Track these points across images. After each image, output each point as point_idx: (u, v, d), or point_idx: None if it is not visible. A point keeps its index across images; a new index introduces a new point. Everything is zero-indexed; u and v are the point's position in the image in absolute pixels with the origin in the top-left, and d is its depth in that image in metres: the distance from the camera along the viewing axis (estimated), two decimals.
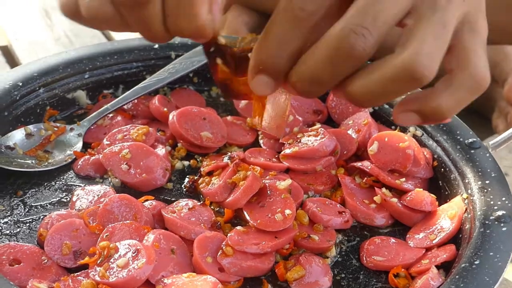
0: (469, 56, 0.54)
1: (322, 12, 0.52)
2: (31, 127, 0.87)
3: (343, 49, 0.51)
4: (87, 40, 1.37)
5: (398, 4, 0.52)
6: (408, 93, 0.55)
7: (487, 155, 0.82)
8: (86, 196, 0.78)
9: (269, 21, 0.54)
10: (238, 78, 0.63)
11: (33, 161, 0.84)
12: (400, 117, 0.56)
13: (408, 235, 0.78)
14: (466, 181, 0.80)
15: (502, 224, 0.72)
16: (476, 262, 0.67)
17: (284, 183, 0.79)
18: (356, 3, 0.52)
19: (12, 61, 1.32)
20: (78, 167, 0.84)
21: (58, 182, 0.82)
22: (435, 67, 0.52)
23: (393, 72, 0.51)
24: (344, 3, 0.53)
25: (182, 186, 0.83)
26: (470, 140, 0.84)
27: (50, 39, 1.39)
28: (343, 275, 0.74)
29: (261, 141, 0.90)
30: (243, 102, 0.94)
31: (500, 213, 0.73)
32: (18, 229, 0.75)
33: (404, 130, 0.90)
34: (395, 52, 0.52)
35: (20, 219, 0.76)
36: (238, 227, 0.74)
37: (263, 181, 0.79)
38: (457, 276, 0.66)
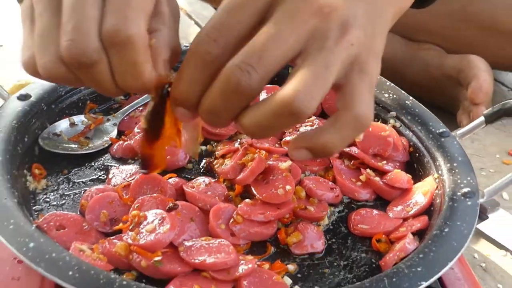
0: (354, 97, 0.50)
1: (227, 54, 0.50)
2: (74, 118, 0.86)
3: (231, 84, 0.48)
4: None
5: (287, 45, 0.49)
6: (294, 129, 0.50)
7: (455, 142, 0.82)
8: (120, 174, 0.78)
9: (182, 62, 0.52)
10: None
11: (76, 145, 0.83)
12: (293, 153, 0.53)
13: (388, 208, 0.78)
14: (437, 163, 0.79)
15: (467, 199, 0.72)
16: (446, 230, 0.67)
17: (285, 164, 0.79)
18: (249, 43, 0.49)
19: None
20: (114, 150, 0.84)
21: (96, 163, 0.82)
22: (313, 104, 0.48)
23: (275, 107, 0.48)
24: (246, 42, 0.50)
25: (200, 166, 0.83)
26: (441, 130, 0.84)
27: None
28: (334, 240, 0.74)
29: None
30: None
31: (465, 190, 0.73)
32: (64, 201, 0.75)
33: (385, 122, 0.89)
34: (279, 89, 0.49)
35: (65, 193, 0.76)
36: (247, 200, 0.74)
37: (268, 162, 0.79)
38: (429, 242, 0.66)
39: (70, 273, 0.56)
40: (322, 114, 0.95)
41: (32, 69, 0.55)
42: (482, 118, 0.83)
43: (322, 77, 0.49)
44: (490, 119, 0.82)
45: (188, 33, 1.49)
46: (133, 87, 0.54)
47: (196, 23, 1.54)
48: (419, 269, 0.61)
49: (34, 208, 0.73)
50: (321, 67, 0.49)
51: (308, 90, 0.48)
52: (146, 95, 0.90)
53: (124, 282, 0.56)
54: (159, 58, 0.54)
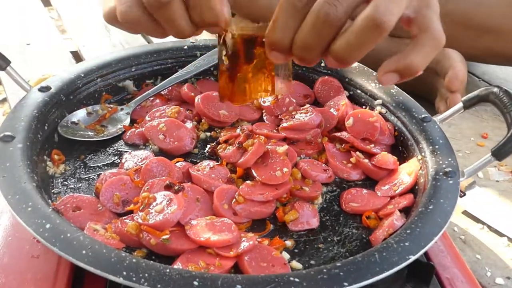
0: (428, 22, 0.53)
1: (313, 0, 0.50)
2: (91, 108, 0.82)
3: (320, 17, 0.49)
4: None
5: None
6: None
7: (436, 127, 0.77)
8: (132, 159, 0.74)
9: (275, 11, 0.52)
10: (244, 66, 0.60)
11: (92, 133, 0.79)
12: (383, 78, 0.53)
13: (376, 187, 0.75)
14: (420, 146, 0.75)
15: (449, 178, 0.67)
16: (430, 207, 0.63)
17: (282, 148, 0.75)
18: None
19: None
20: (127, 137, 0.79)
21: (111, 148, 0.78)
22: (392, 18, 0.49)
23: (361, 24, 0.49)
24: None
25: (205, 151, 0.79)
26: (423, 115, 0.79)
27: (108, 46, 1.34)
28: (327, 217, 0.70)
29: (264, 117, 0.86)
30: None
31: (447, 169, 0.69)
32: (80, 184, 0.70)
33: (372, 109, 0.85)
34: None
35: (82, 177, 0.72)
36: (248, 181, 0.71)
37: (266, 147, 0.75)
38: (415, 218, 0.62)
39: (84, 252, 0.52)
40: (315, 102, 0.91)
41: (112, 17, 0.58)
42: (460, 104, 0.79)
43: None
44: (468, 104, 0.78)
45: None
46: (207, 19, 0.55)
47: None
48: (407, 243, 0.57)
49: (53, 191, 0.69)
50: None
51: (386, 5, 0.48)
52: (155, 87, 0.87)
53: (134, 260, 0.52)
54: None
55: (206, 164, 0.73)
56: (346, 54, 0.51)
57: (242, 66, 0.60)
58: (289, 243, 0.64)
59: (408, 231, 0.59)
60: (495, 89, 0.74)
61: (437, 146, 0.73)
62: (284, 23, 0.52)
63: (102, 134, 0.79)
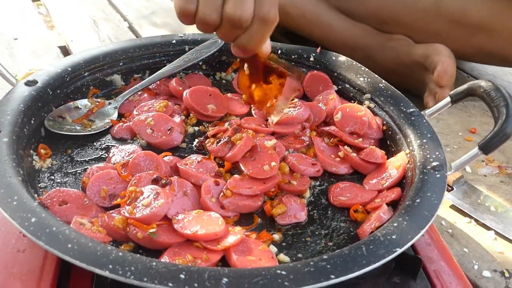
0: (260, 4, 0.62)
1: None
2: (78, 102, 0.82)
3: None
4: None
5: None
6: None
7: (424, 121, 0.78)
8: (119, 153, 0.73)
9: None
10: (258, 81, 0.73)
11: (80, 127, 0.78)
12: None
13: (364, 181, 0.75)
14: (408, 140, 0.75)
15: (436, 172, 0.68)
16: (417, 201, 0.63)
17: (271, 142, 0.75)
18: None
19: None
20: (114, 131, 0.79)
21: (98, 143, 0.77)
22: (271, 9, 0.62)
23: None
24: None
25: (193, 145, 0.78)
26: (411, 109, 0.80)
27: (96, 41, 1.34)
28: (315, 211, 0.70)
29: (253, 112, 0.86)
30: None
31: (435, 163, 0.69)
32: (67, 178, 0.70)
33: (360, 103, 0.85)
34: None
35: (69, 171, 0.71)
36: (236, 175, 0.71)
37: (255, 141, 0.75)
38: (402, 211, 0.62)
39: (69, 245, 0.51)
40: (304, 97, 0.91)
41: (186, 15, 0.64)
42: (448, 99, 0.79)
43: None
44: (456, 99, 0.78)
45: (185, 27, 1.44)
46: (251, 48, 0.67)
47: None
48: (393, 236, 0.57)
49: (39, 185, 0.68)
50: None
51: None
52: (143, 81, 0.87)
53: (120, 253, 0.51)
54: None
55: (194, 158, 0.72)
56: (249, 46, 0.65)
57: (257, 80, 0.73)
58: (276, 236, 0.64)
59: (395, 224, 0.59)
60: (483, 83, 0.74)
61: (424, 140, 0.73)
62: None
63: (90, 129, 0.78)
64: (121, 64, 0.89)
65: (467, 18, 1.14)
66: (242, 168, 0.71)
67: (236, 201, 0.67)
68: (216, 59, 0.95)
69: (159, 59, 0.92)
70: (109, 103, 0.83)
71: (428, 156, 0.70)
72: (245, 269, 0.52)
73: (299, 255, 0.62)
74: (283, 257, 0.61)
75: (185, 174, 0.69)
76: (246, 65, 0.73)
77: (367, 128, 0.79)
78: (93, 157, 0.74)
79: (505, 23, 1.12)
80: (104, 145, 0.77)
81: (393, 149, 0.79)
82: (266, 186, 0.69)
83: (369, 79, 0.86)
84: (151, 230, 0.59)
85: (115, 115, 0.82)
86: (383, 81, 0.86)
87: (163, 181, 0.64)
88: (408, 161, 0.73)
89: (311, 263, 0.53)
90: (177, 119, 0.80)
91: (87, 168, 0.70)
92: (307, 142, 0.80)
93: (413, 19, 1.17)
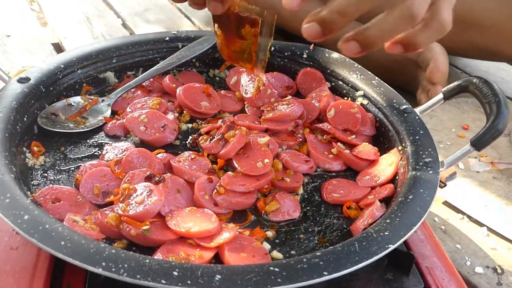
0: (439, 9, 0.61)
1: None
2: (71, 99, 0.81)
3: None
4: None
5: None
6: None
7: (417, 117, 0.78)
8: (112, 150, 0.73)
9: None
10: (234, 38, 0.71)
11: (73, 124, 0.78)
12: (390, 46, 0.62)
13: (357, 178, 0.75)
14: (401, 137, 0.75)
15: (429, 169, 0.68)
16: (410, 197, 0.63)
17: (264, 139, 0.75)
18: None
19: None
20: (107, 128, 0.79)
21: (91, 140, 0.77)
22: (422, 12, 0.59)
23: (399, 13, 0.58)
24: None
25: (186, 142, 0.78)
26: (404, 106, 0.80)
27: (90, 38, 1.33)
28: (308, 208, 0.70)
29: (246, 109, 0.86)
30: (233, 80, 0.90)
31: (427, 160, 0.69)
32: (60, 176, 0.70)
33: (354, 100, 0.85)
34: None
35: (62, 168, 0.71)
36: (229, 172, 0.70)
37: (248, 138, 0.75)
38: (395, 208, 0.62)
39: (63, 243, 0.51)
40: (297, 94, 0.91)
41: None
42: (441, 95, 0.79)
43: None
44: (448, 95, 0.78)
45: (179, 24, 1.44)
46: None
47: (186, 16, 1.49)
48: (386, 233, 0.57)
49: (32, 183, 0.68)
50: None
51: (419, 3, 0.58)
52: (136, 78, 0.87)
53: (113, 251, 0.51)
54: None
55: (188, 155, 0.72)
56: (377, 39, 0.59)
57: (232, 37, 0.71)
58: (270, 233, 0.64)
59: (388, 221, 0.59)
60: (475, 80, 0.74)
61: (417, 137, 0.73)
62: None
63: (83, 126, 0.78)
64: (114, 61, 0.89)
65: (456, 14, 1.15)
66: (236, 165, 0.71)
67: (229, 198, 0.67)
68: (209, 56, 0.95)
69: (152, 56, 0.92)
70: (102, 100, 0.83)
71: (421, 152, 0.71)
72: (238, 266, 0.52)
73: (292, 252, 0.62)
74: (276, 254, 0.61)
75: (178, 171, 0.69)
76: (217, 25, 0.72)
77: (360, 125, 0.79)
78: (86, 154, 0.74)
79: (494, 19, 1.12)
80: (97, 143, 0.76)
81: (386, 146, 0.79)
82: (259, 183, 0.69)
83: (362, 76, 0.87)
84: (145, 227, 0.59)
85: (108, 112, 0.81)
86: (376, 78, 0.86)
87: (157, 178, 0.64)
88: (401, 158, 0.73)
89: (304, 260, 0.53)
90: (171, 116, 0.80)
91: (80, 165, 0.69)
92: (300, 139, 0.80)
93: None
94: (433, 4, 0.61)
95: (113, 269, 0.49)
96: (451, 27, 0.63)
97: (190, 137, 0.78)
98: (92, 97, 0.83)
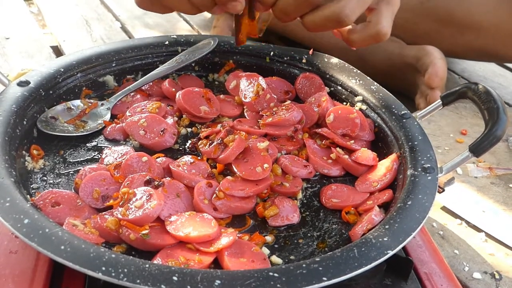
0: (381, 17, 0.67)
1: None
2: (71, 103, 0.81)
3: None
4: None
5: None
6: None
7: (415, 123, 0.78)
8: (112, 154, 0.73)
9: None
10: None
11: (72, 128, 0.78)
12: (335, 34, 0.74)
13: (356, 183, 0.75)
14: (400, 142, 0.76)
15: (427, 174, 0.68)
16: (409, 203, 0.63)
17: (263, 144, 0.75)
18: None
19: None
20: (107, 132, 0.79)
21: (91, 144, 0.77)
22: (353, 18, 0.65)
23: (328, 14, 0.65)
24: None
25: (186, 146, 0.78)
26: (402, 112, 0.80)
27: (89, 41, 1.33)
28: (307, 213, 0.70)
29: (246, 114, 0.86)
30: (232, 84, 0.90)
31: (426, 165, 0.69)
32: (59, 179, 0.70)
33: (352, 105, 0.86)
34: (333, 2, 0.66)
35: (61, 172, 0.71)
36: (228, 177, 0.71)
37: (247, 143, 0.75)
38: (394, 213, 0.62)
39: (62, 247, 0.51)
40: (297, 98, 0.91)
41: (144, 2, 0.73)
42: (439, 101, 0.79)
43: (362, 2, 0.66)
44: (447, 101, 0.79)
45: (177, 28, 1.45)
46: None
47: (185, 20, 1.49)
48: (385, 239, 0.58)
49: (31, 186, 0.68)
50: None
51: (351, 7, 0.64)
52: (136, 82, 0.87)
53: (113, 255, 0.51)
54: None
55: (187, 159, 0.72)
56: (311, 27, 0.69)
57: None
58: (269, 238, 0.64)
59: (386, 227, 0.60)
60: (473, 86, 0.75)
61: (416, 142, 0.74)
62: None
63: (82, 129, 0.78)
64: (114, 65, 0.89)
65: (454, 17, 1.16)
66: (235, 169, 0.71)
67: (228, 203, 0.67)
68: (208, 61, 0.95)
69: (151, 60, 0.92)
70: (102, 104, 0.83)
71: (420, 158, 0.71)
72: (238, 271, 0.52)
73: (292, 257, 0.62)
74: (275, 259, 0.61)
75: (177, 176, 0.69)
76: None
77: (359, 130, 0.80)
78: (86, 158, 0.74)
79: (491, 21, 1.13)
80: (96, 146, 0.76)
81: (384, 151, 0.79)
82: (258, 187, 0.69)
83: (361, 81, 0.87)
84: (144, 232, 0.59)
85: (107, 116, 0.81)
86: (375, 83, 0.86)
87: (156, 183, 0.65)
88: (400, 163, 0.73)
89: (303, 265, 0.53)
90: (170, 120, 0.80)
91: (80, 169, 0.70)
92: (300, 144, 0.80)
93: (402, 20, 1.18)
94: (375, 10, 0.67)
95: (113, 274, 0.49)
96: (389, 36, 0.69)
97: (190, 142, 0.78)
98: (92, 100, 0.83)
